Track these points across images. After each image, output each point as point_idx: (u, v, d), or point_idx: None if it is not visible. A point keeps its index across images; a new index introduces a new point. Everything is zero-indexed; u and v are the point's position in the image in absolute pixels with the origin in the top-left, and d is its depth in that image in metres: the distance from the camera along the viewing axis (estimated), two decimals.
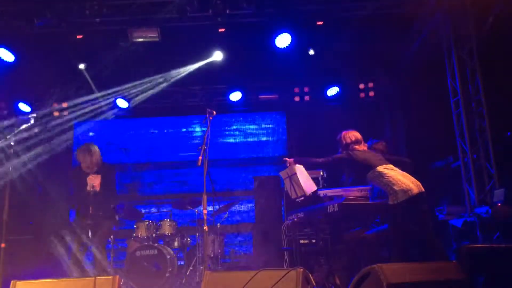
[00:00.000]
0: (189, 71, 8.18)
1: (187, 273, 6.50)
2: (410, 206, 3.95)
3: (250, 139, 9.50)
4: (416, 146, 7.72)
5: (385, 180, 4.09)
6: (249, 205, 8.95)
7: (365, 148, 4.51)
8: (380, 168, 4.17)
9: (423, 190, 4.05)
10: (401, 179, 4.05)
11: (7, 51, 7.20)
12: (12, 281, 3.15)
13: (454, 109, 7.07)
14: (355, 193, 4.93)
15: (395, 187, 4.00)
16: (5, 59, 7.24)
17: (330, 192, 5.20)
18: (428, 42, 7.38)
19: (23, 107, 8.69)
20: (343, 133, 4.60)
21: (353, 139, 4.50)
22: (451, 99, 7.11)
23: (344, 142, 4.53)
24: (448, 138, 7.13)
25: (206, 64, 8.02)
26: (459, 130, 6.97)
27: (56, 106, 8.92)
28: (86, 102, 8.84)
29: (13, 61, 7.32)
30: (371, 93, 8.86)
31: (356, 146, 4.47)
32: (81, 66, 7.84)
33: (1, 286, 3.97)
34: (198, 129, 9.48)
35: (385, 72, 8.74)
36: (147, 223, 6.56)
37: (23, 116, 8.54)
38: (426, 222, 4.07)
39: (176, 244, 6.64)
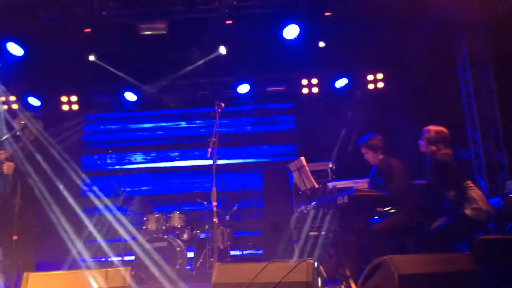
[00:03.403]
0: (196, 64, 8.14)
1: (197, 265, 6.53)
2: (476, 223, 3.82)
3: (258, 131, 9.47)
4: None
5: (471, 193, 3.89)
6: (258, 197, 8.94)
7: None
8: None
9: None
10: (484, 199, 3.92)
11: (16, 45, 7.23)
12: (25, 273, 3.18)
13: (465, 99, 7.00)
14: (364, 185, 4.90)
15: (481, 203, 3.83)
16: (14, 53, 7.27)
17: (339, 184, 5.17)
18: (438, 31, 7.28)
19: (33, 101, 8.73)
20: (432, 127, 4.13)
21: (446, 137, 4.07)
22: (461, 89, 7.03)
23: (433, 136, 4.07)
24: (459, 128, 7.06)
25: (214, 57, 7.98)
26: (470, 120, 6.90)
27: (65, 99, 8.95)
28: (96, 95, 8.86)
29: (22, 55, 7.35)
30: (380, 84, 8.76)
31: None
32: (91, 57, 7.84)
33: (14, 277, 4.01)
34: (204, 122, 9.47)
35: (394, 63, 8.64)
36: (157, 215, 6.60)
37: (33, 110, 8.61)
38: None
39: (185, 236, 6.67)
